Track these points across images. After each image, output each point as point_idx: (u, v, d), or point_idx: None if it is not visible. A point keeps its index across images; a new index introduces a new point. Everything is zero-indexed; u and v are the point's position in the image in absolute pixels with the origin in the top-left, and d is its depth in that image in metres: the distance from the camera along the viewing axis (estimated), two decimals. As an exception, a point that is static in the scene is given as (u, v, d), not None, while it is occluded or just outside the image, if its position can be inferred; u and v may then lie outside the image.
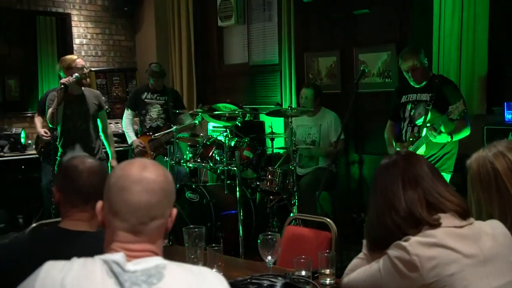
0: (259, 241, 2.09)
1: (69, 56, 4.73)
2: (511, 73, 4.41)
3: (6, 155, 5.87)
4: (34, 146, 5.83)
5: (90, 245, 1.77)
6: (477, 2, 4.42)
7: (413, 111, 3.91)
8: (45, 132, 5.39)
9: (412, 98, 3.92)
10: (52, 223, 2.72)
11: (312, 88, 5.04)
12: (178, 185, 4.88)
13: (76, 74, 4.52)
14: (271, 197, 4.81)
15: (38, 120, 5.56)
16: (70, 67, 4.53)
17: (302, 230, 2.65)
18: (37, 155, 5.80)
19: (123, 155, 6.07)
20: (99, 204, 1.38)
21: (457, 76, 4.56)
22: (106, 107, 4.95)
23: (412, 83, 3.92)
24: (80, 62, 4.59)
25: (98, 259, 1.27)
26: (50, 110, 4.51)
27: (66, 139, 4.65)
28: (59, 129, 4.66)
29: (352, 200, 5.34)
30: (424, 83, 3.94)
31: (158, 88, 5.77)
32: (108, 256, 1.27)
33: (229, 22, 6.57)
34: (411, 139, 3.84)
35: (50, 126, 4.69)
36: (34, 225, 2.55)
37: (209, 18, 7.02)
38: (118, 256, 1.26)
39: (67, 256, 1.74)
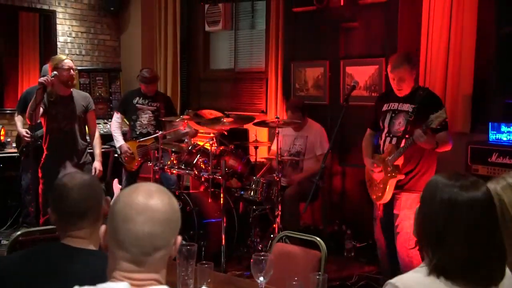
0: (251, 261, 2.07)
1: (58, 56, 4.65)
2: (496, 93, 4.48)
3: (-16, 152, 5.76)
4: (15, 145, 5.73)
5: (91, 263, 1.75)
6: (464, 21, 4.48)
7: (393, 120, 3.82)
8: (26, 133, 5.31)
9: (393, 107, 3.85)
10: (35, 231, 2.68)
11: (298, 110, 4.98)
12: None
13: (55, 72, 4.47)
14: (254, 207, 4.80)
15: (18, 120, 5.47)
16: (57, 67, 4.46)
17: (291, 247, 2.64)
18: (16, 154, 5.71)
19: (102, 157, 6.00)
20: (103, 228, 1.36)
21: (443, 93, 4.61)
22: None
23: (395, 91, 3.83)
24: (67, 63, 4.52)
25: None
26: (28, 110, 4.43)
27: (51, 140, 4.58)
28: (44, 129, 4.60)
29: (334, 212, 5.36)
30: (408, 93, 3.82)
31: (150, 94, 5.71)
32: (112, 286, 1.24)
33: (217, 28, 6.54)
34: (389, 150, 3.77)
35: (32, 124, 4.61)
36: (18, 233, 2.49)
37: (197, 23, 6.99)
38: (122, 286, 1.23)
39: (67, 273, 1.72)
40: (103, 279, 1.71)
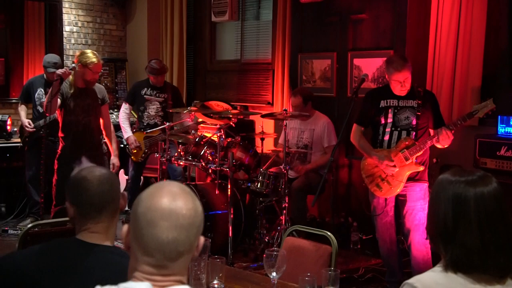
0: (264, 256, 2.07)
1: (89, 55, 4.45)
2: (505, 86, 4.46)
3: (-10, 142, 5.77)
4: (19, 135, 5.74)
5: (109, 259, 1.75)
6: (474, 14, 4.45)
7: (397, 115, 3.87)
8: (29, 123, 5.32)
9: (393, 103, 3.89)
10: (46, 224, 2.68)
11: (299, 95, 4.97)
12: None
13: (73, 65, 4.44)
14: (260, 199, 4.80)
15: (22, 109, 5.48)
16: (86, 66, 4.39)
17: (302, 242, 2.63)
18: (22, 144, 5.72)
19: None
20: (125, 228, 1.33)
21: (451, 86, 4.59)
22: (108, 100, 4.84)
23: (397, 92, 3.86)
24: (96, 67, 4.42)
25: None
26: (44, 101, 4.42)
27: (68, 132, 4.55)
28: (60, 121, 4.58)
29: (340, 204, 5.36)
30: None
31: (159, 85, 5.70)
32: (134, 285, 1.24)
33: (223, 18, 6.51)
34: (407, 143, 3.81)
35: (49, 115, 4.59)
36: (29, 225, 2.50)
37: (203, 13, 6.96)
38: (144, 286, 1.23)
39: (84, 269, 1.72)
40: (121, 276, 1.71)
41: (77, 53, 4.59)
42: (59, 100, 4.43)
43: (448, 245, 1.50)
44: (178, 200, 1.28)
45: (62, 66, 5.48)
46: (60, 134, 4.59)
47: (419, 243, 3.81)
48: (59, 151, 4.61)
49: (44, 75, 5.45)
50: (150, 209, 1.27)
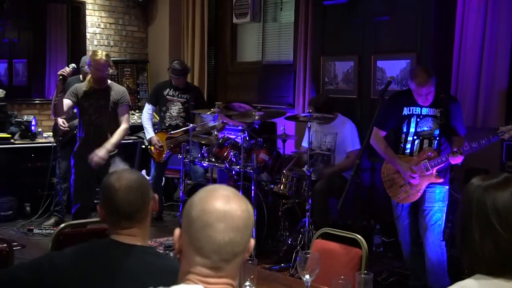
0: (298, 258, 2.07)
1: (96, 52, 4.57)
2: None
3: (16, 142, 5.84)
4: (51, 135, 5.81)
5: (147, 260, 1.77)
6: (501, 15, 4.41)
7: (420, 125, 3.84)
8: (63, 122, 5.38)
9: (416, 111, 3.84)
10: (78, 224, 2.71)
11: (312, 105, 4.91)
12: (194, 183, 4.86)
13: (73, 65, 4.52)
14: (283, 200, 4.80)
15: None
16: (90, 64, 4.50)
17: (331, 245, 2.64)
18: (47, 144, 5.79)
19: (130, 148, 6.07)
20: (177, 232, 1.34)
21: (477, 88, 4.56)
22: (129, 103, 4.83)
23: (420, 103, 3.81)
24: (98, 64, 4.45)
25: None
26: (52, 101, 4.50)
27: (82, 131, 4.64)
28: (78, 120, 4.66)
29: (363, 206, 5.34)
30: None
31: (181, 86, 5.74)
32: (186, 287, 1.25)
33: (244, 20, 6.53)
34: (429, 153, 3.78)
35: (56, 117, 4.68)
36: (62, 225, 2.53)
37: (224, 14, 6.98)
38: None
39: (123, 270, 1.74)
40: (156, 276, 1.73)
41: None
42: (69, 101, 4.48)
43: (476, 251, 1.49)
44: (231, 203, 1.30)
45: None
46: (77, 133, 4.68)
47: (435, 243, 3.79)
48: (74, 149, 4.69)
49: (81, 76, 5.51)
50: (205, 211, 1.28)
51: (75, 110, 4.77)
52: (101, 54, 4.51)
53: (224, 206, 1.28)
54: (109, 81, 4.66)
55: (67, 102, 4.52)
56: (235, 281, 1.32)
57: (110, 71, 4.70)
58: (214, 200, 1.30)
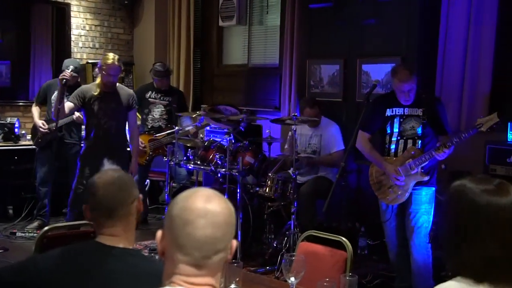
0: (283, 261, 2.07)
1: (108, 56, 4.51)
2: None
3: (-1, 144, 5.78)
4: (30, 137, 5.75)
5: (130, 262, 1.76)
6: (484, 18, 4.45)
7: (403, 125, 3.87)
8: (43, 124, 5.34)
9: (398, 112, 3.87)
10: (63, 227, 2.69)
11: (317, 106, 5.00)
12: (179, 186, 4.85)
13: (71, 67, 4.48)
14: (269, 203, 4.80)
15: (36, 110, 5.49)
16: (101, 67, 4.45)
17: (317, 247, 2.64)
18: (30, 146, 5.73)
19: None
20: (159, 233, 1.36)
21: (461, 92, 4.60)
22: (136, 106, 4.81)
23: (402, 102, 3.85)
24: (109, 69, 4.41)
25: None
26: (55, 106, 4.46)
27: (90, 135, 4.57)
28: (84, 123, 4.62)
29: (348, 209, 5.35)
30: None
31: (163, 88, 5.72)
32: None
33: (231, 23, 6.54)
34: (412, 152, 3.81)
35: (58, 120, 4.62)
36: (46, 228, 2.50)
37: (210, 17, 6.98)
38: None
39: (106, 272, 1.73)
40: (140, 278, 1.72)
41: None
42: (72, 104, 4.45)
43: (456, 253, 1.49)
44: (212, 201, 1.32)
45: (81, 70, 5.55)
46: (84, 136, 4.62)
47: (421, 246, 3.82)
48: (81, 153, 4.65)
49: None
50: (186, 209, 1.31)
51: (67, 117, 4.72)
52: (113, 58, 4.45)
53: (204, 204, 1.31)
54: (117, 84, 4.63)
55: (70, 105, 4.49)
56: (217, 282, 1.32)
57: (121, 75, 4.65)
58: (195, 198, 1.32)
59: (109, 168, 1.92)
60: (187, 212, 1.30)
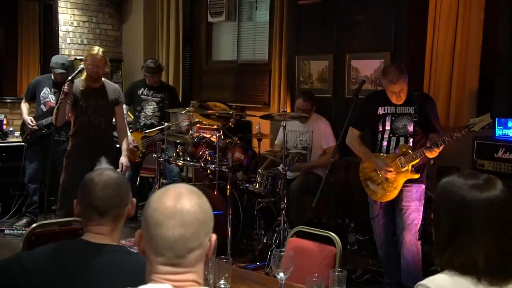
0: (273, 256, 2.08)
1: (91, 49, 4.50)
2: (502, 89, 4.49)
3: (-14, 142, 5.74)
4: (19, 133, 5.72)
5: (115, 259, 1.75)
6: (471, 16, 4.48)
7: (395, 123, 3.88)
8: (31, 121, 5.31)
9: (390, 110, 3.89)
10: (51, 224, 2.68)
11: (312, 100, 5.02)
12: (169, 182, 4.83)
13: (81, 66, 4.42)
14: (258, 199, 4.80)
15: (25, 106, 5.46)
16: (85, 60, 4.39)
17: (306, 243, 2.65)
18: (18, 143, 5.70)
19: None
20: (138, 233, 1.37)
21: (449, 89, 4.63)
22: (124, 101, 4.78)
23: (394, 101, 3.87)
24: (93, 60, 4.34)
25: None
26: (54, 112, 4.40)
27: (78, 132, 4.51)
28: (72, 120, 4.54)
29: (337, 205, 5.36)
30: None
31: (155, 85, 5.70)
32: (153, 287, 1.25)
33: (220, 19, 6.52)
34: (404, 150, 3.83)
35: (58, 125, 4.57)
36: (34, 225, 2.49)
37: (199, 13, 6.96)
38: (164, 287, 1.24)
39: (92, 269, 1.72)
40: (127, 274, 1.72)
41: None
42: (69, 106, 4.41)
43: (449, 249, 1.50)
44: (182, 199, 1.32)
45: (70, 67, 5.48)
46: (70, 133, 4.56)
47: (411, 243, 3.83)
48: (67, 149, 4.59)
49: (52, 75, 5.43)
50: (156, 211, 1.31)
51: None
52: (98, 50, 4.42)
53: (173, 203, 1.30)
54: (102, 79, 4.57)
55: (68, 108, 4.42)
56: (199, 277, 1.32)
57: (107, 69, 4.57)
58: (165, 198, 1.32)
59: (107, 167, 1.91)
60: (157, 213, 1.30)
